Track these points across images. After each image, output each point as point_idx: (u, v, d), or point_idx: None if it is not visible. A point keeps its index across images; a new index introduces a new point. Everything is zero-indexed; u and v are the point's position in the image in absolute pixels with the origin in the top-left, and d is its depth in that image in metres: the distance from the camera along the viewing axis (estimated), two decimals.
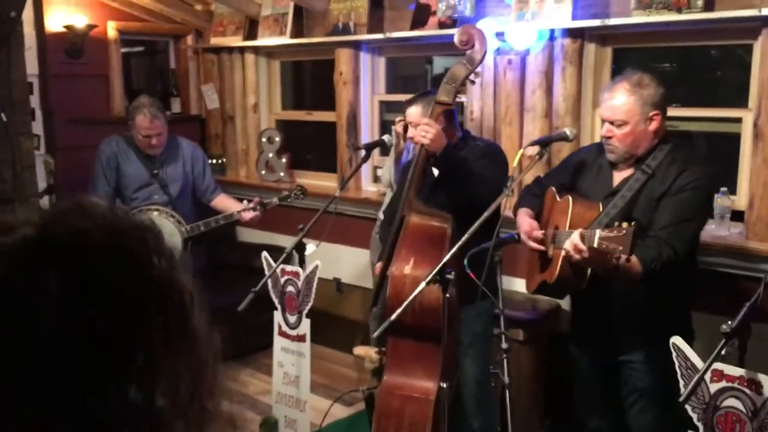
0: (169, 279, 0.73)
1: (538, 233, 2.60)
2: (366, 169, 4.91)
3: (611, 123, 2.49)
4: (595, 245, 2.13)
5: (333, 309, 4.96)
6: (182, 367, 0.72)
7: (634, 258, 2.32)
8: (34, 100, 4.47)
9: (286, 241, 3.05)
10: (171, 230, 3.78)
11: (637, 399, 2.61)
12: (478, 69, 2.73)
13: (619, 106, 2.46)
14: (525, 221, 2.67)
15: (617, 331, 2.60)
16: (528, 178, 3.96)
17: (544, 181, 2.87)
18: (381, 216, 3.92)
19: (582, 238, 2.20)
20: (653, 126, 2.48)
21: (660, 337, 2.49)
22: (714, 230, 3.37)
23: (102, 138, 3.95)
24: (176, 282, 0.74)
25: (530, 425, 3.85)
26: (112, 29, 5.18)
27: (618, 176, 2.60)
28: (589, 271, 2.43)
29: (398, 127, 3.58)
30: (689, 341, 2.14)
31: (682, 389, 1.92)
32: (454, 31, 2.77)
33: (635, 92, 2.45)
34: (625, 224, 2.09)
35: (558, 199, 2.66)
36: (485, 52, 2.70)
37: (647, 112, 2.46)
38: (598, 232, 2.13)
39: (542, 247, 2.59)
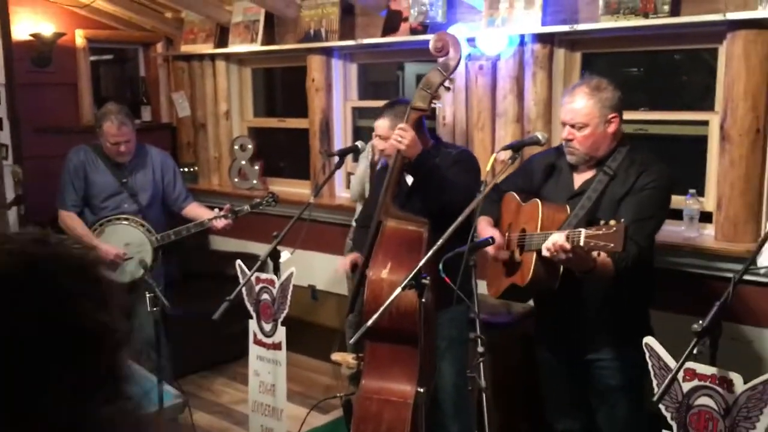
0: (87, 318, 0.69)
1: (502, 242, 2.65)
2: (339, 176, 4.91)
3: (572, 126, 2.56)
4: (582, 244, 2.16)
5: (308, 316, 4.94)
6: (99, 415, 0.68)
7: (604, 257, 2.38)
8: (1, 110, 4.40)
9: (260, 249, 3.03)
10: (141, 239, 3.75)
11: (607, 397, 2.66)
12: (453, 76, 2.74)
13: (580, 109, 2.53)
14: (488, 230, 2.70)
15: (584, 330, 2.64)
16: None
17: (502, 187, 2.90)
18: (354, 224, 3.93)
19: (567, 238, 2.23)
20: (612, 128, 2.55)
21: (624, 335, 2.58)
22: (684, 232, 3.42)
23: (71, 147, 3.90)
24: (95, 321, 0.69)
25: (508, 429, 3.86)
26: (80, 37, 5.13)
27: (579, 178, 2.66)
28: (561, 271, 2.45)
29: (376, 141, 3.58)
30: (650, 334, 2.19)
31: (656, 389, 1.94)
32: (426, 38, 2.80)
33: (594, 95, 2.52)
34: (613, 222, 2.13)
35: (522, 203, 2.69)
36: (460, 59, 2.72)
37: (606, 114, 2.53)
38: (583, 232, 2.17)
39: (506, 256, 2.62)
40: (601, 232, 2.13)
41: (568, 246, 2.22)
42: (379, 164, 3.54)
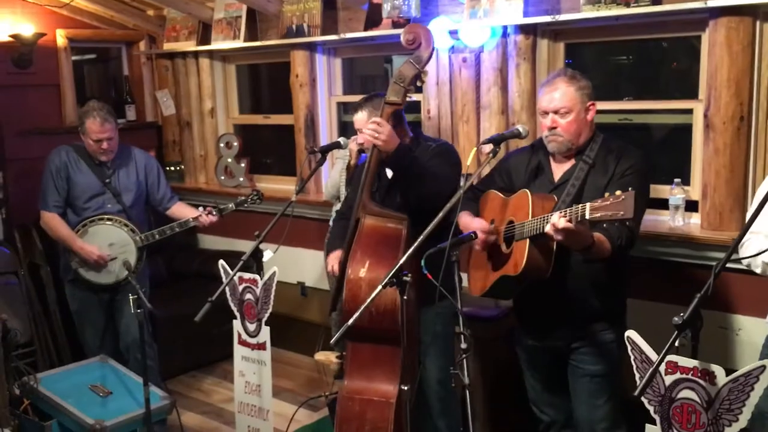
0: None
1: (492, 227, 2.64)
2: (325, 172, 4.88)
3: (555, 113, 2.60)
4: (588, 217, 2.17)
5: (297, 313, 4.92)
6: None
7: (600, 235, 2.41)
8: None
9: (247, 247, 3.00)
10: (125, 240, 3.71)
11: (588, 384, 2.67)
12: (426, 68, 2.71)
13: (563, 96, 2.59)
14: (474, 221, 2.68)
15: (569, 319, 2.65)
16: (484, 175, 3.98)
17: (478, 186, 2.92)
18: (331, 224, 3.94)
19: (566, 216, 2.23)
20: (590, 115, 2.63)
21: (607, 321, 2.61)
22: (669, 221, 3.41)
23: (55, 148, 3.86)
24: None
25: (498, 421, 3.85)
26: (61, 37, 5.07)
27: (558, 170, 2.69)
28: (553, 258, 2.46)
29: (353, 145, 3.58)
30: (625, 327, 2.20)
31: (638, 382, 1.93)
32: None
33: (574, 83, 2.61)
34: (619, 192, 2.13)
35: (506, 197, 2.68)
36: (432, 51, 2.69)
37: (585, 101, 2.61)
38: (588, 204, 2.18)
39: (491, 238, 2.62)
40: (608, 202, 2.14)
41: (566, 224, 2.23)
42: (360, 159, 3.53)
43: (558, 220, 2.25)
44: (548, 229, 2.30)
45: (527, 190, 2.57)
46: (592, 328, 2.64)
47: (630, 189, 2.13)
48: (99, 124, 3.64)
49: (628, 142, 2.70)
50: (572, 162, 2.65)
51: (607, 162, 2.59)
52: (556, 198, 2.55)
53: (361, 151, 3.54)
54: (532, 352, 2.82)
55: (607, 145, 2.64)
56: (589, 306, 2.62)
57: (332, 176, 4.03)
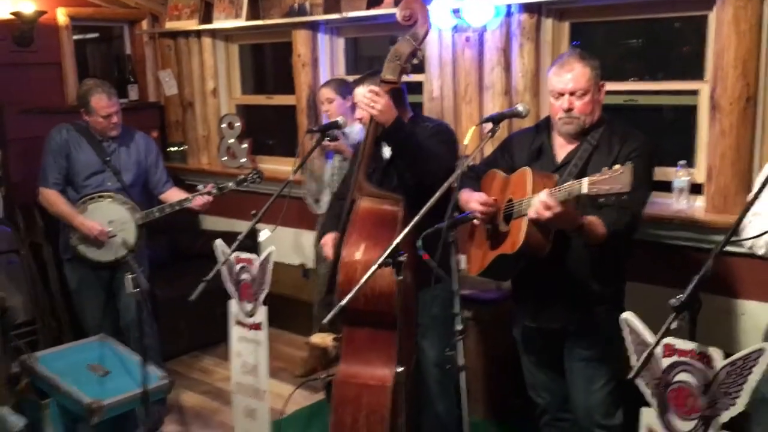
0: None
1: (491, 199, 2.60)
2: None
3: (572, 94, 2.54)
4: (585, 191, 2.14)
5: (299, 294, 4.90)
6: None
7: (594, 218, 2.39)
8: None
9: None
10: (125, 217, 3.70)
11: (585, 367, 2.65)
12: (422, 46, 2.66)
13: (579, 76, 2.53)
14: (474, 194, 2.64)
15: (566, 301, 2.62)
16: (485, 155, 3.93)
17: (479, 167, 2.88)
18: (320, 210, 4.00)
19: (555, 194, 2.23)
20: (602, 95, 2.60)
21: (607, 306, 2.57)
22: (674, 204, 3.36)
23: None
24: None
25: (499, 404, 3.84)
26: (62, 15, 5.03)
27: (561, 151, 2.65)
28: (551, 236, 2.42)
29: (328, 144, 3.62)
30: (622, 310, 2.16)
31: (634, 364, 1.90)
32: None
33: (587, 63, 2.55)
34: (617, 165, 2.11)
35: (508, 175, 2.64)
36: (429, 27, 2.64)
37: (598, 81, 2.57)
38: (586, 178, 2.15)
39: (489, 210, 2.58)
40: (606, 176, 2.12)
41: (551, 202, 2.21)
42: (359, 136, 3.50)
43: (544, 197, 2.22)
44: (531, 213, 2.29)
45: (528, 168, 2.54)
46: (589, 311, 2.60)
47: (628, 162, 2.11)
48: (106, 98, 3.65)
49: (632, 124, 2.65)
50: (576, 143, 2.61)
51: (612, 143, 2.56)
52: (556, 177, 2.51)
53: (330, 146, 3.68)
54: (528, 334, 2.80)
55: (612, 127, 2.60)
56: (587, 288, 2.58)
57: (317, 176, 4.05)
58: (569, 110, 2.55)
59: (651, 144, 2.58)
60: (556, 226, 2.36)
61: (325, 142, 3.47)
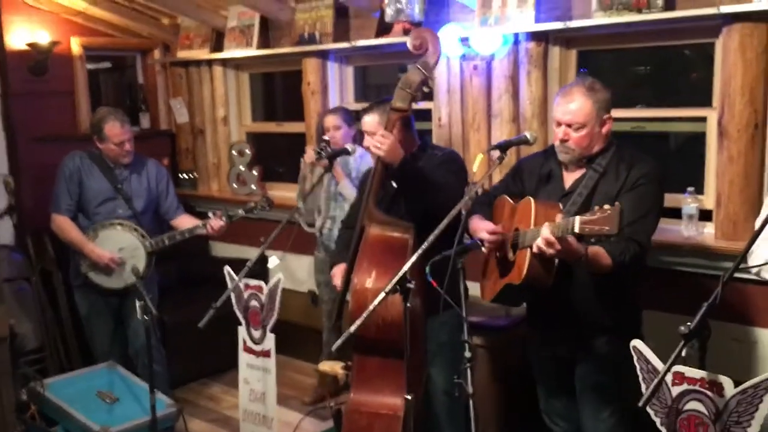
0: None
1: (499, 228, 2.61)
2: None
3: (568, 126, 2.53)
4: (577, 230, 2.14)
5: (307, 321, 4.89)
6: None
7: (600, 250, 2.37)
8: None
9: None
10: (135, 244, 3.72)
11: (591, 396, 2.63)
12: (433, 74, 2.69)
13: (578, 110, 2.51)
14: (482, 223, 2.65)
15: (574, 330, 2.60)
16: (494, 183, 3.94)
17: (492, 192, 2.89)
18: (317, 234, 4.03)
19: (552, 229, 2.23)
20: (606, 128, 2.56)
21: (615, 335, 2.54)
22: (683, 230, 3.35)
23: None
24: None
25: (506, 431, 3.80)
26: (76, 45, 5.11)
27: (569, 178, 2.64)
28: (555, 267, 2.42)
29: (307, 158, 3.81)
30: (642, 339, 2.12)
31: (644, 392, 1.88)
32: None
33: (591, 96, 2.52)
34: (607, 206, 2.12)
35: (515, 203, 2.65)
36: (439, 56, 2.67)
37: (601, 115, 2.53)
38: (578, 218, 2.15)
39: (494, 238, 2.58)
40: (596, 216, 2.12)
41: (552, 238, 2.22)
42: (357, 162, 3.55)
43: (546, 233, 2.23)
44: (534, 248, 2.29)
45: (531, 198, 2.54)
46: (598, 339, 2.58)
47: (617, 203, 2.11)
48: (119, 126, 3.71)
49: (641, 151, 2.64)
50: (583, 170, 2.60)
51: (619, 170, 2.54)
52: (561, 206, 2.50)
53: (313, 164, 3.84)
54: (540, 360, 2.79)
55: (620, 153, 2.58)
56: (593, 316, 2.57)
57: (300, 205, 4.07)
58: (564, 141, 2.56)
59: (659, 169, 2.56)
60: (560, 257, 2.36)
61: (317, 162, 3.74)
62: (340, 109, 4.16)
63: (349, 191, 3.79)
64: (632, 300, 2.65)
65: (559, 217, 2.37)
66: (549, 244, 2.25)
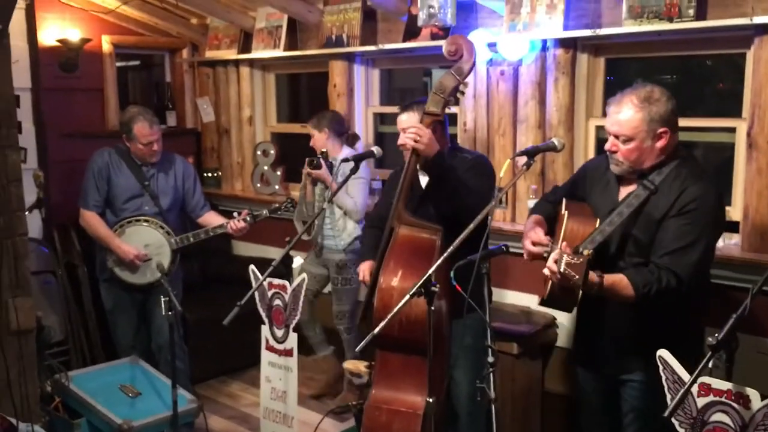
0: None
1: (537, 237, 2.51)
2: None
3: (616, 137, 2.40)
4: (562, 269, 2.13)
5: (331, 322, 4.90)
6: None
7: (622, 279, 2.29)
8: (26, 114, 4.46)
9: (280, 255, 3.00)
10: (160, 241, 3.76)
11: (634, 419, 2.54)
12: (467, 80, 2.70)
13: (626, 122, 2.35)
14: (533, 231, 2.56)
15: (618, 350, 2.52)
16: (519, 189, 3.93)
17: (559, 190, 2.80)
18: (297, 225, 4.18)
19: (556, 261, 2.19)
20: (661, 143, 2.37)
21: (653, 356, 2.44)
22: None
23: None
24: None
25: None
26: (106, 43, 5.18)
27: (624, 191, 2.50)
28: (577, 294, 2.33)
29: (306, 170, 4.00)
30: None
31: (669, 403, 1.87)
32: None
33: (643, 108, 2.34)
34: (587, 252, 2.11)
35: (563, 212, 2.57)
36: (474, 63, 2.67)
37: (655, 129, 2.35)
38: (565, 258, 2.13)
39: (536, 251, 2.48)
40: (573, 261, 2.10)
41: (555, 268, 2.18)
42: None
43: (551, 262, 2.20)
44: (545, 270, 2.26)
45: (566, 213, 2.49)
46: (643, 361, 2.38)
47: (588, 252, 2.11)
48: (148, 127, 3.75)
49: (702, 169, 2.45)
50: (635, 185, 2.44)
51: (671, 191, 2.35)
52: (597, 224, 2.41)
53: (312, 173, 4.04)
54: (584, 377, 2.71)
55: (678, 170, 2.37)
56: (638, 338, 2.44)
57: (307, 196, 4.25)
58: (613, 152, 2.43)
59: (711, 195, 2.34)
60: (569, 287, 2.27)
61: (309, 170, 3.93)
62: (315, 117, 4.32)
63: (346, 201, 4.00)
64: (684, 319, 2.46)
65: (588, 234, 2.34)
66: (552, 272, 2.21)
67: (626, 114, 2.36)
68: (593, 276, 2.25)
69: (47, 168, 4.56)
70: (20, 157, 3.04)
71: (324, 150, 3.50)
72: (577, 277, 2.07)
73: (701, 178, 2.37)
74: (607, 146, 2.45)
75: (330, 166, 4.08)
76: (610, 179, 2.55)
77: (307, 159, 4.02)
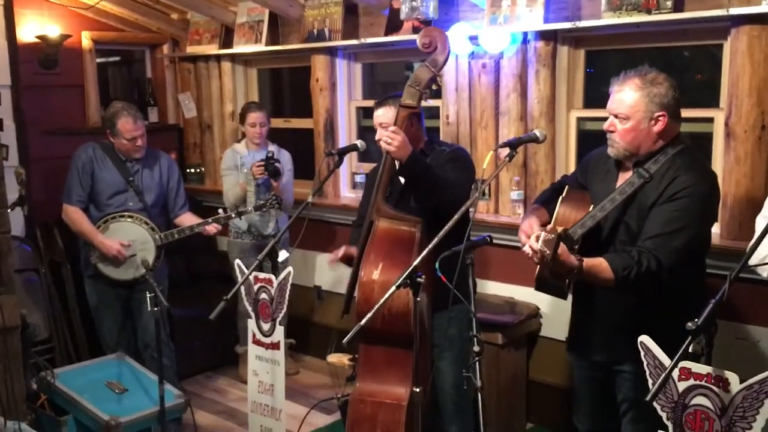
0: None
1: (528, 229, 2.51)
2: (344, 175, 4.91)
3: (615, 116, 2.41)
4: (539, 246, 2.15)
5: (313, 316, 4.93)
6: None
7: (601, 263, 2.30)
8: (6, 111, 4.42)
9: None
10: (145, 237, 3.75)
11: (629, 409, 2.55)
12: (442, 72, 2.71)
13: (625, 100, 2.37)
14: (527, 220, 2.59)
15: (610, 339, 2.53)
16: (502, 180, 3.97)
17: (564, 179, 2.81)
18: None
19: (537, 239, 2.20)
20: (658, 127, 2.36)
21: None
22: None
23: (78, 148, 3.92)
24: None
25: (510, 428, 3.83)
26: (86, 39, 5.15)
27: (622, 178, 2.49)
28: (567, 279, 2.36)
29: (255, 171, 4.24)
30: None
31: (651, 387, 1.91)
32: None
33: (644, 89, 2.35)
34: (560, 228, 2.16)
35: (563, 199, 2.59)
36: (448, 54, 2.69)
37: (653, 111, 2.35)
38: (543, 235, 2.15)
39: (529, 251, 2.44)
40: (547, 237, 2.13)
41: (536, 247, 2.19)
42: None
43: (532, 241, 2.22)
44: (525, 248, 2.29)
45: (562, 196, 2.52)
46: (634, 353, 2.27)
47: (559, 229, 2.15)
48: (132, 122, 3.73)
49: (700, 158, 2.45)
50: (631, 172, 2.44)
51: (663, 179, 2.35)
52: (590, 209, 2.43)
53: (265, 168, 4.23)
54: (579, 365, 2.73)
55: (674, 159, 2.37)
56: (631, 329, 2.36)
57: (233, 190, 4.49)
58: (610, 132, 2.42)
59: (704, 185, 2.34)
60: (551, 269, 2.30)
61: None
62: (263, 106, 4.49)
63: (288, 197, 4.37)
64: (678, 311, 2.31)
65: (578, 220, 2.36)
66: (534, 251, 2.22)
67: (626, 93, 2.37)
68: (572, 259, 2.25)
69: (28, 165, 4.53)
70: (1, 154, 3.02)
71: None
72: (548, 252, 2.10)
73: (696, 168, 2.37)
74: (605, 125, 2.46)
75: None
76: (611, 168, 2.55)
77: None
